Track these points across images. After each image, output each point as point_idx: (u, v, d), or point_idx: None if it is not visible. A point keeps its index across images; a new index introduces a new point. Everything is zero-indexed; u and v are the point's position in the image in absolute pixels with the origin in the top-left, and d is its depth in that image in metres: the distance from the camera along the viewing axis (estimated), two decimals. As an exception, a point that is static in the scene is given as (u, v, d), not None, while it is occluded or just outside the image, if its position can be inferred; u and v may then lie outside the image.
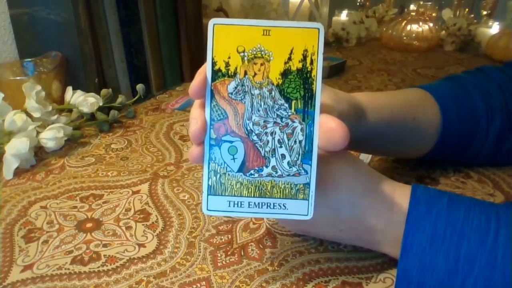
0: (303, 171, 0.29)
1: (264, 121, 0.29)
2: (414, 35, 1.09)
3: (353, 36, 1.16)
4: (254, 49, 0.29)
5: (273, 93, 0.29)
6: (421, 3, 1.23)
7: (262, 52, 0.29)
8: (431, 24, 1.10)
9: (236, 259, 0.37)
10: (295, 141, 0.29)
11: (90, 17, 0.65)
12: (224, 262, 0.37)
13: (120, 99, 0.67)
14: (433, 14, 1.22)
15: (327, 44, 1.14)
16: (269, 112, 0.29)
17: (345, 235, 0.35)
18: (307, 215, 0.30)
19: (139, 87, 0.70)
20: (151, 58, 0.76)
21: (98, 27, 0.67)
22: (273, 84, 0.29)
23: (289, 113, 0.29)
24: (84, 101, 0.62)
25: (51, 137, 0.55)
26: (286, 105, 0.29)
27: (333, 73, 0.90)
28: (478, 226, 0.30)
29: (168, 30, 0.79)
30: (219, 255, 0.38)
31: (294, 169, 0.29)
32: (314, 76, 0.29)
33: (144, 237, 0.40)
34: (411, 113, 0.44)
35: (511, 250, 0.29)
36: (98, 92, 0.65)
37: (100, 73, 0.69)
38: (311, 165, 0.29)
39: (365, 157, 0.52)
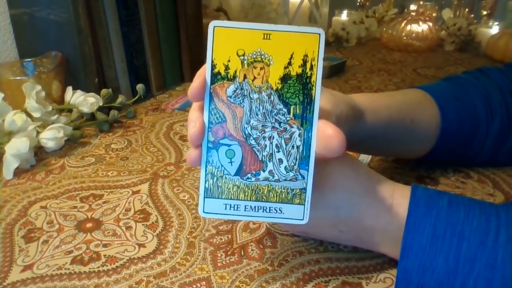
0: (300, 176, 0.29)
1: (262, 126, 0.29)
2: (414, 35, 1.09)
3: (353, 36, 1.16)
4: (254, 52, 0.29)
5: (272, 97, 0.29)
6: (421, 3, 1.23)
7: (262, 56, 0.29)
8: (431, 24, 1.10)
9: (236, 259, 0.37)
10: (292, 146, 0.29)
11: (90, 17, 0.65)
12: (224, 262, 0.37)
13: (120, 99, 0.67)
14: (433, 14, 1.22)
15: (327, 44, 1.14)
16: (267, 117, 0.29)
17: (345, 236, 0.35)
18: (302, 219, 0.30)
19: (139, 87, 0.70)
20: (151, 58, 0.76)
21: (98, 27, 0.67)
22: (272, 88, 0.29)
23: (288, 118, 0.29)
24: (84, 101, 0.62)
25: (51, 137, 0.55)
26: (285, 110, 0.29)
27: (333, 73, 0.90)
28: (478, 226, 0.30)
29: (168, 30, 0.79)
30: (219, 255, 0.38)
31: (291, 174, 0.29)
32: (313, 81, 0.29)
33: (144, 237, 0.40)
34: (410, 114, 0.44)
35: (511, 250, 0.29)
36: (98, 92, 0.65)
37: (100, 73, 0.69)
38: (308, 170, 0.29)
39: (365, 158, 0.52)
